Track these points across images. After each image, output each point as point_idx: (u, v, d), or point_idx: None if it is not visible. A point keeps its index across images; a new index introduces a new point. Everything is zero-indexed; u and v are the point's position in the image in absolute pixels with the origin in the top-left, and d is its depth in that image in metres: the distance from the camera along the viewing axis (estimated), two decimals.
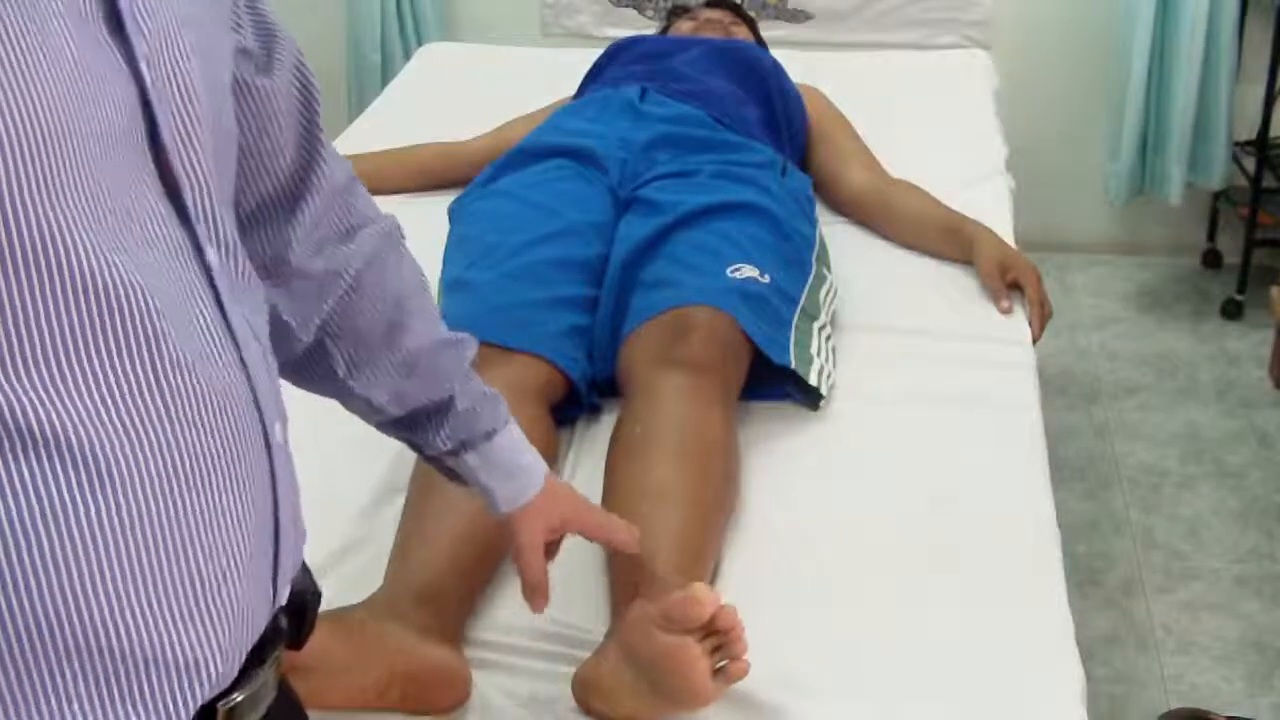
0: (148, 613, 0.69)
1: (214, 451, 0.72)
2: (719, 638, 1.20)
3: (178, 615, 0.70)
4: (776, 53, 2.49)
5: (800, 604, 1.41)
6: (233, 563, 0.73)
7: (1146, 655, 2.27)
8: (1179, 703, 2.16)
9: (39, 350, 0.63)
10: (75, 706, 0.67)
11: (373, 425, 1.17)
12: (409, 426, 1.15)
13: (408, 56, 3.37)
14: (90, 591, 0.66)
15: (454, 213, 2.05)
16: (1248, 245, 3.21)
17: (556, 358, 1.68)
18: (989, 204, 2.26)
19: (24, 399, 0.63)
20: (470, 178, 2.17)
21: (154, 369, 0.68)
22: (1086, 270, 3.55)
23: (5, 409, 0.63)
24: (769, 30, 3.08)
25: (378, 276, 1.07)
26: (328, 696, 1.20)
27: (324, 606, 1.29)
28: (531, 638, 1.38)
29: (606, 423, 1.69)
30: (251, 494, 0.75)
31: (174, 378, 0.69)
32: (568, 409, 1.72)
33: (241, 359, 0.76)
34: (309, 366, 1.06)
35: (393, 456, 1.68)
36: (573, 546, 1.51)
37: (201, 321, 0.73)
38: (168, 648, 0.70)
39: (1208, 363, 3.12)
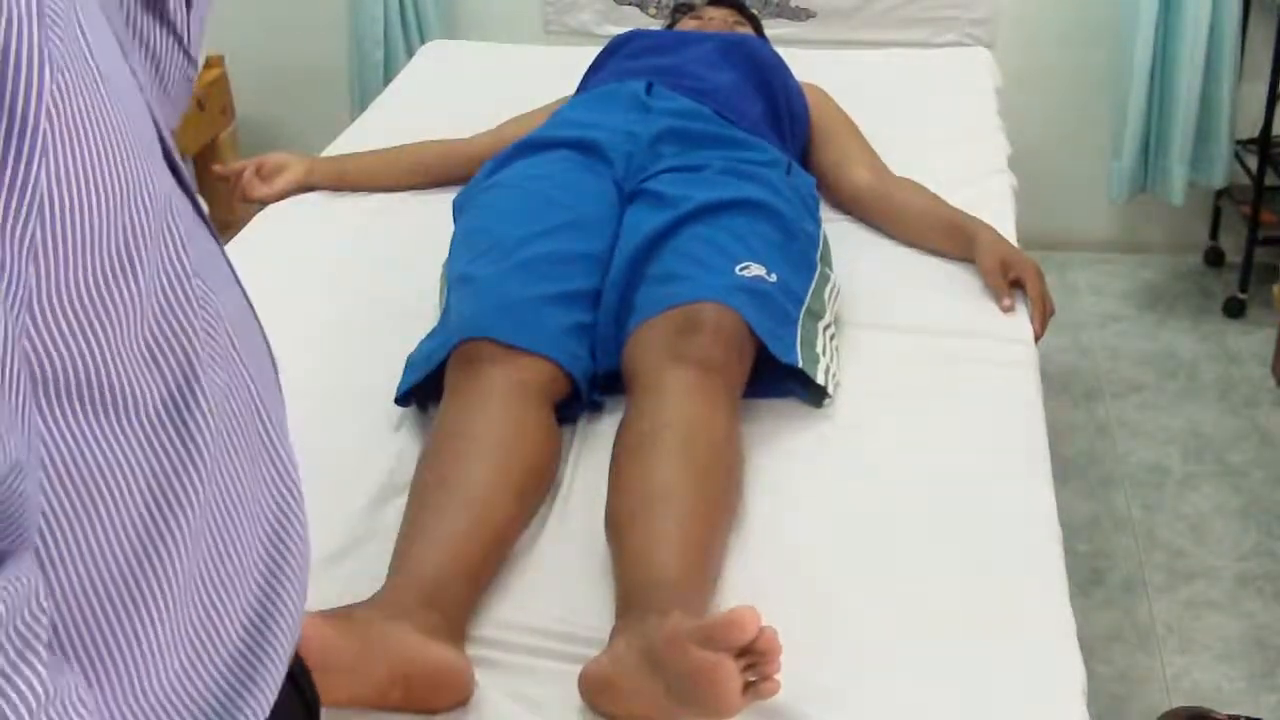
0: (270, 528, 0.76)
1: (261, 383, 0.78)
2: (754, 656, 1.20)
3: (286, 531, 0.77)
4: (779, 50, 2.49)
5: (801, 602, 1.41)
6: (292, 483, 0.80)
7: (1148, 653, 2.27)
8: (1181, 701, 2.16)
9: (139, 326, 0.67)
10: (249, 601, 0.74)
11: None
12: None
13: (410, 54, 3.38)
14: (230, 509, 0.73)
15: (458, 207, 2.05)
16: (1250, 243, 3.21)
17: (560, 357, 1.68)
18: (991, 202, 2.26)
19: (125, 368, 0.67)
20: (472, 175, 2.17)
21: (218, 329, 0.74)
22: (1088, 268, 3.55)
23: (103, 378, 0.66)
24: (771, 28, 3.08)
25: None
26: (330, 696, 1.20)
27: (327, 605, 1.30)
28: (534, 636, 1.38)
29: (609, 422, 1.69)
30: (281, 410, 0.82)
31: (223, 329, 0.74)
32: (569, 407, 1.72)
33: (246, 297, 0.82)
34: None
35: (395, 455, 1.68)
36: (574, 546, 1.52)
37: (220, 271, 0.78)
38: (290, 562, 0.77)
39: (1210, 361, 3.12)
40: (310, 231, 2.32)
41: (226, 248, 2.49)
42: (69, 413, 0.62)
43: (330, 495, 1.58)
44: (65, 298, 0.61)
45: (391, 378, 1.75)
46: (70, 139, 0.59)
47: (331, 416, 1.76)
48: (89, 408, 0.63)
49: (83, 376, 0.63)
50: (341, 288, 2.11)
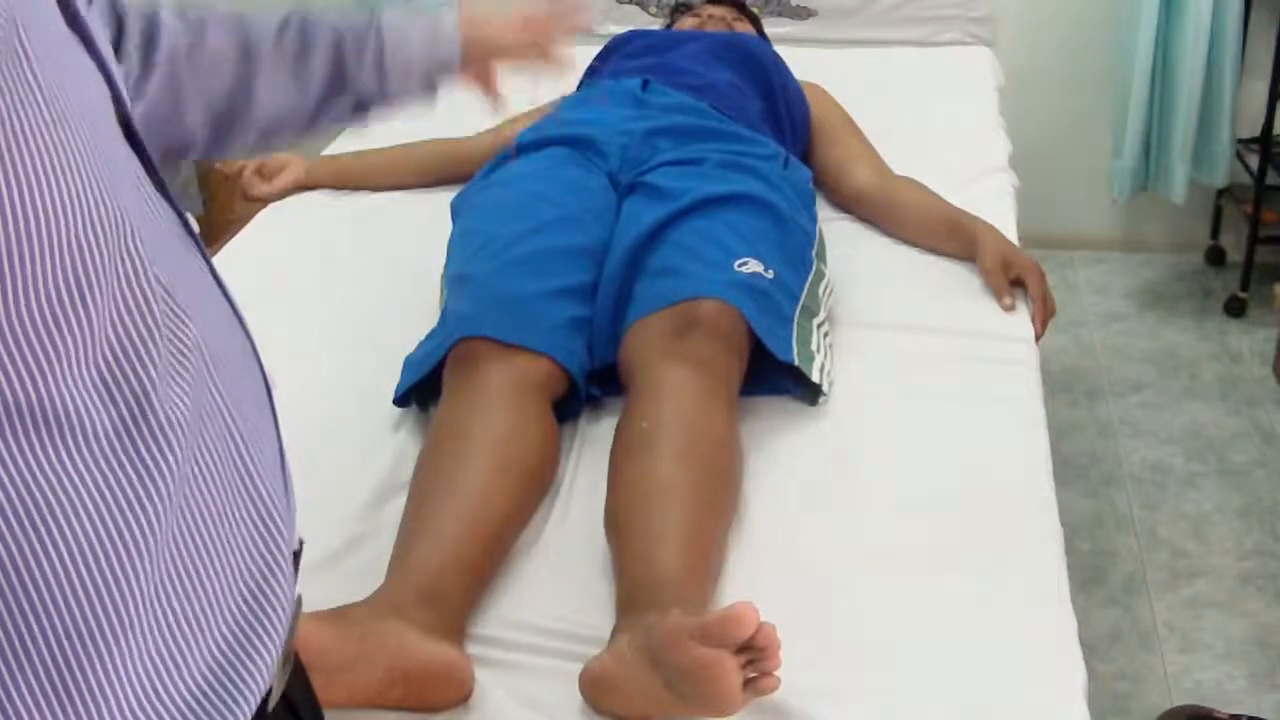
0: (247, 544, 0.74)
1: (240, 415, 0.75)
2: (754, 652, 1.19)
3: (268, 550, 0.76)
4: (780, 49, 2.49)
5: (800, 602, 1.41)
6: (273, 521, 0.78)
7: (1150, 653, 2.27)
8: (1182, 700, 2.16)
9: (91, 353, 0.65)
10: (235, 613, 0.73)
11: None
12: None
13: None
14: (214, 524, 0.71)
15: (455, 209, 2.05)
16: (1251, 242, 3.21)
17: (557, 353, 1.68)
18: (992, 201, 2.26)
19: (85, 391, 0.65)
20: (473, 174, 2.17)
21: (189, 357, 0.71)
22: (1090, 267, 3.55)
23: (60, 402, 0.64)
24: (772, 27, 3.08)
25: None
26: (330, 695, 1.20)
27: (326, 604, 1.30)
28: (535, 634, 1.38)
29: (609, 421, 1.69)
30: (271, 434, 0.80)
31: (198, 358, 0.72)
32: (568, 404, 1.72)
33: (236, 313, 0.80)
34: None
35: (395, 453, 1.68)
36: (574, 545, 1.52)
37: (204, 295, 0.75)
38: (274, 584, 0.76)
39: (1211, 360, 3.12)
40: (310, 231, 2.32)
41: (227, 247, 2.47)
42: (10, 439, 0.60)
43: (330, 495, 1.58)
44: (8, 323, 0.59)
45: (391, 378, 1.75)
46: (8, 161, 0.57)
47: (331, 416, 1.76)
48: (33, 434, 0.61)
49: (24, 402, 0.60)
50: (342, 287, 2.11)
